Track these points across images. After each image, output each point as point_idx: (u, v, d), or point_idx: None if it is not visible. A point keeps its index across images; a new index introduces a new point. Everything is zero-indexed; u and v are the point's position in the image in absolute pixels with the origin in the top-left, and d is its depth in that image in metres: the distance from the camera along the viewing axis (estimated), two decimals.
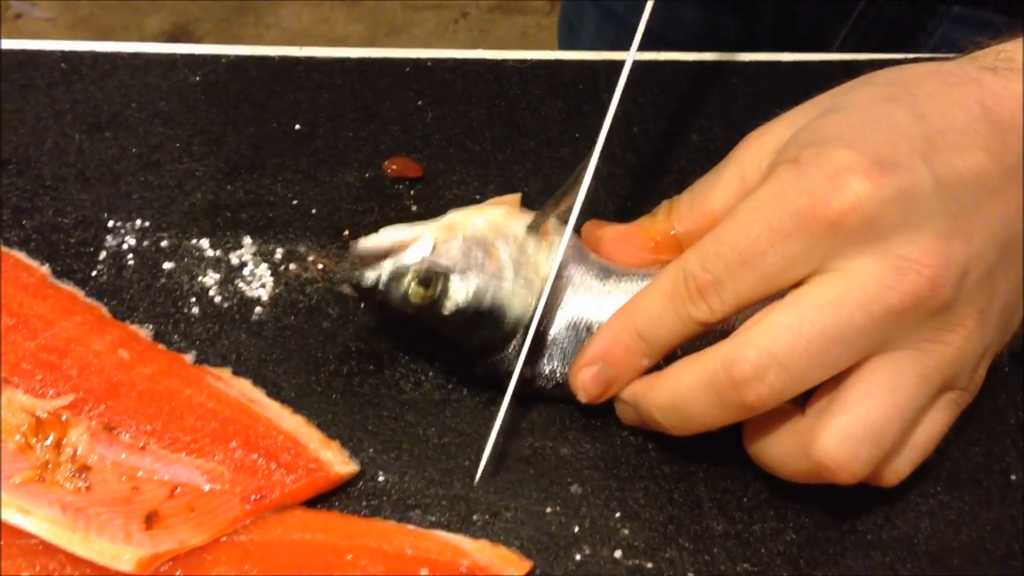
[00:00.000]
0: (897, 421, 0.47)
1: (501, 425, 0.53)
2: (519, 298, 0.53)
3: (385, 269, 0.53)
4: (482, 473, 0.53)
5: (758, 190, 0.49)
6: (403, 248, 0.53)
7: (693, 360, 0.49)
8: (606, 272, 0.55)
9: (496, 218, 0.55)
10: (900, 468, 0.50)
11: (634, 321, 0.51)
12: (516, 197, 0.57)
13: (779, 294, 0.48)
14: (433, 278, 0.52)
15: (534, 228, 0.55)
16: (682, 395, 0.49)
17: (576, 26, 1.00)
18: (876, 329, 0.46)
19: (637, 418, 0.53)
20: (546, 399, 0.56)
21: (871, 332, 0.46)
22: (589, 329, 0.54)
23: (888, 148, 0.46)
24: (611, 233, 0.56)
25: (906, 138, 0.47)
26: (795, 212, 0.46)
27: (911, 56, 0.71)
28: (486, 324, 0.53)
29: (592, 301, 0.54)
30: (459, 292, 0.52)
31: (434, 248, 0.53)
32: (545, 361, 0.54)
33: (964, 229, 0.46)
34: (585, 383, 0.53)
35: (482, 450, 0.53)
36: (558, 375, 0.55)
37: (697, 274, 0.48)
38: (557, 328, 0.54)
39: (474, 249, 0.53)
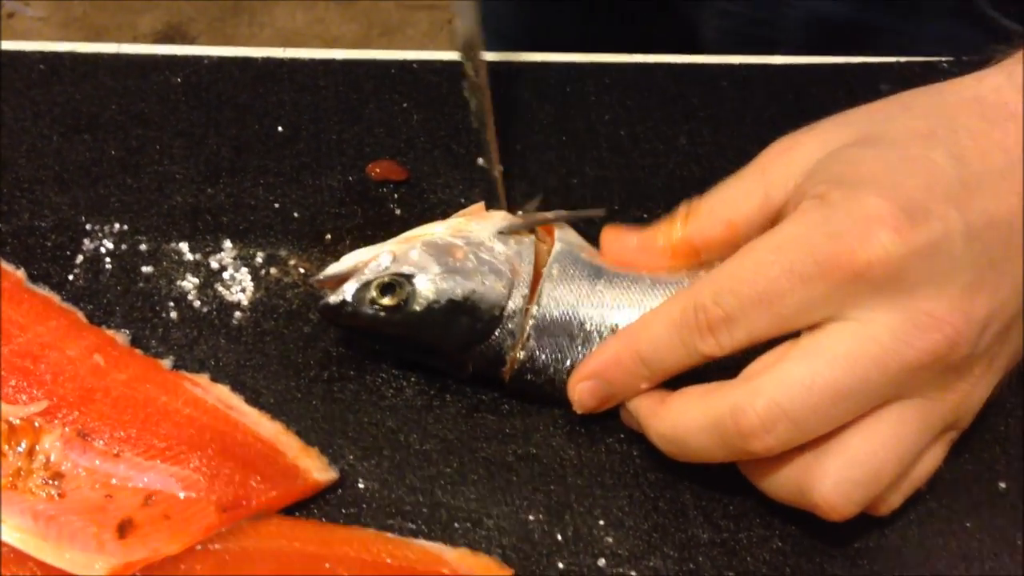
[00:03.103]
0: (895, 467, 0.47)
1: None
2: (490, 286, 0.53)
3: (348, 288, 0.53)
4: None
5: (781, 226, 0.47)
6: (364, 267, 0.54)
7: (700, 397, 0.48)
8: (596, 271, 0.55)
9: (455, 223, 0.56)
10: (893, 501, 0.50)
11: (637, 344, 0.50)
12: (479, 205, 0.58)
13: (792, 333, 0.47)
14: (397, 284, 0.53)
15: (506, 232, 0.55)
16: (685, 430, 0.49)
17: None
18: (889, 384, 0.45)
19: (638, 428, 0.52)
20: (532, 401, 0.55)
21: (884, 387, 0.45)
22: (581, 325, 0.53)
23: (921, 195, 0.45)
24: (635, 241, 0.55)
25: (941, 183, 0.46)
26: (819, 258, 0.45)
27: (911, 60, 0.71)
28: (462, 315, 0.53)
29: (581, 296, 0.54)
30: (426, 289, 0.53)
31: (393, 259, 0.54)
32: (537, 354, 0.54)
33: (991, 282, 0.45)
34: (582, 396, 0.52)
35: (464, 456, 0.53)
36: (550, 369, 0.54)
37: (709, 307, 0.47)
38: (546, 320, 0.54)
39: (434, 251, 0.54)
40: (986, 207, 0.46)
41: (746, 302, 0.46)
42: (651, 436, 0.51)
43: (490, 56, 0.70)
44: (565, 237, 0.57)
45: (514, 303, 0.53)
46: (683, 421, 0.49)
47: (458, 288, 0.53)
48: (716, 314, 0.47)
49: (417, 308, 0.53)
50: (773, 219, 0.50)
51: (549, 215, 0.57)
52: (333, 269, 0.55)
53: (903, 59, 0.71)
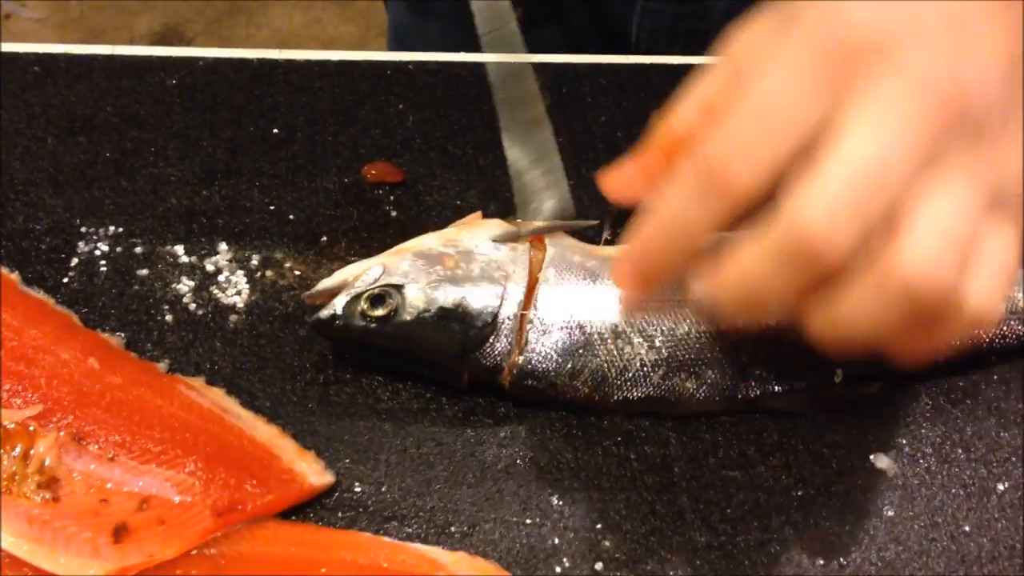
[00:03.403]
0: (964, 220, 0.44)
1: None
2: (481, 293, 0.53)
3: (339, 302, 0.53)
4: None
5: (761, 56, 0.46)
6: (354, 280, 0.54)
7: (753, 237, 0.45)
8: (592, 272, 0.55)
9: (447, 232, 0.56)
10: (986, 288, 0.45)
11: (662, 220, 0.47)
12: (476, 214, 0.58)
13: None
14: (386, 294, 0.53)
15: (499, 240, 0.55)
16: (752, 271, 0.45)
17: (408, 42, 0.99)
18: (926, 150, 0.43)
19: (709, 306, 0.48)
20: (533, 405, 0.55)
21: (922, 156, 0.43)
22: (580, 328, 0.53)
23: None
24: (632, 171, 0.52)
25: None
26: (805, 53, 0.44)
27: None
28: (454, 323, 0.53)
29: (578, 299, 0.54)
30: (415, 299, 0.53)
31: (383, 271, 0.54)
32: (536, 358, 0.53)
33: (975, 44, 0.44)
34: (624, 279, 0.49)
35: (461, 459, 0.53)
36: (551, 373, 0.54)
37: (722, 150, 0.44)
38: (544, 324, 0.54)
39: (424, 260, 0.54)
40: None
41: (760, 126, 0.44)
42: (721, 297, 0.46)
43: (482, 57, 0.70)
44: (558, 242, 0.56)
45: (507, 309, 0.53)
46: (747, 263, 0.45)
47: (448, 296, 0.53)
48: (725, 148, 0.44)
49: (407, 318, 0.53)
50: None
51: (543, 224, 0.57)
52: (324, 284, 0.55)
53: None
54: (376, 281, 0.53)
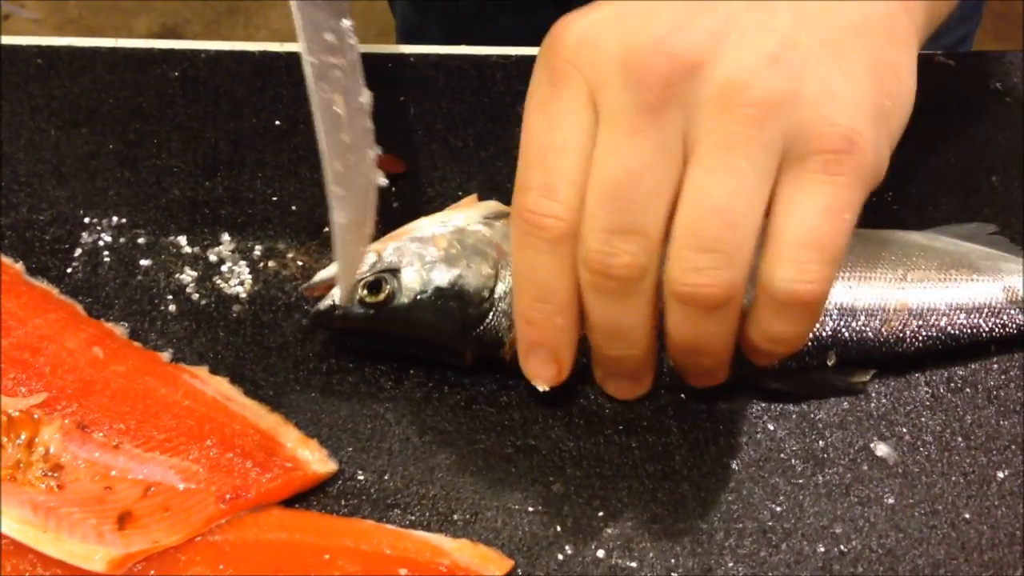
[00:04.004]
0: (719, 215, 0.44)
1: None
2: (476, 269, 0.53)
3: (336, 292, 0.54)
4: None
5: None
6: None
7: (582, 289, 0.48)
8: None
9: (441, 215, 0.56)
10: (797, 272, 0.44)
11: (523, 295, 0.49)
12: (472, 197, 0.59)
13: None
14: (382, 279, 0.53)
15: (492, 217, 0.56)
16: (597, 317, 0.48)
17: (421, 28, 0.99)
18: (660, 135, 0.44)
19: (618, 380, 0.53)
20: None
21: (660, 142, 0.44)
22: None
23: None
24: None
25: None
26: (542, 80, 0.47)
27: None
28: (451, 302, 0.53)
29: None
30: (411, 281, 0.53)
31: (378, 258, 0.54)
32: None
33: (685, 12, 0.45)
34: (536, 371, 0.51)
35: (463, 447, 0.53)
36: None
37: (525, 200, 0.47)
38: None
39: (417, 243, 0.54)
40: None
41: (536, 160, 0.47)
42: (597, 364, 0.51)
43: (483, 50, 0.71)
44: None
45: (504, 284, 0.53)
46: (588, 319, 0.48)
47: (443, 276, 0.53)
48: (532, 197, 0.46)
49: (405, 301, 0.53)
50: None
51: None
52: (321, 276, 0.55)
53: None
54: (371, 268, 0.54)
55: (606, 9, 0.46)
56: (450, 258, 0.54)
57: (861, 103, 0.45)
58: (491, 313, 0.53)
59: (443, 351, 0.55)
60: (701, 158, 0.44)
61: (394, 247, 0.54)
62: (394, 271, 0.53)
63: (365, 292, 0.53)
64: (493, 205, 0.57)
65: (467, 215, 0.56)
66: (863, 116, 0.44)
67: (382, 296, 0.53)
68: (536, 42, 0.49)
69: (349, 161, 0.53)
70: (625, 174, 0.44)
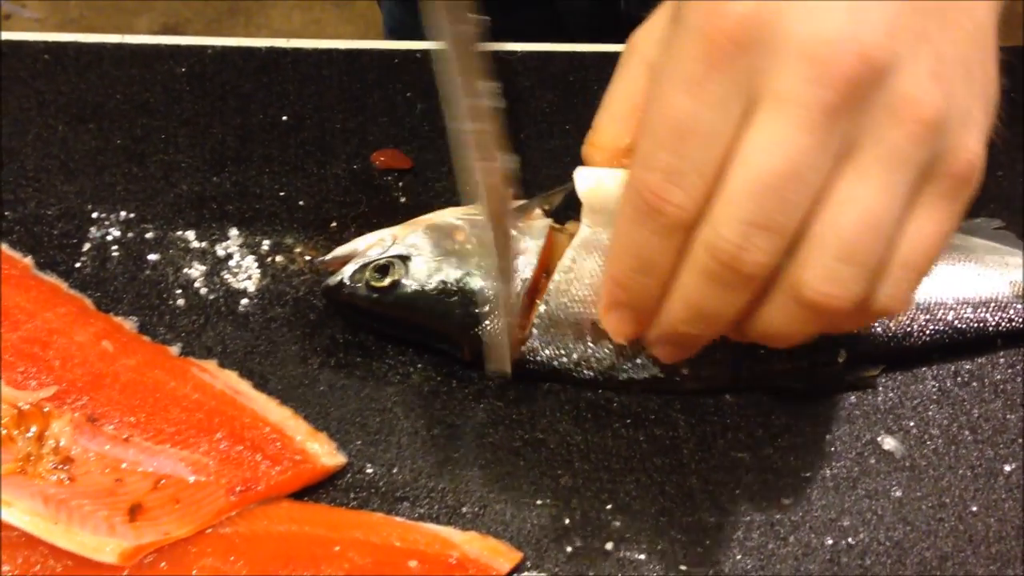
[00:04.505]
0: (871, 230, 0.43)
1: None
2: (489, 268, 0.53)
3: (347, 270, 0.54)
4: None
5: (657, 65, 0.45)
6: (366, 250, 0.55)
7: (683, 266, 0.46)
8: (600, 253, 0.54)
9: (463, 209, 0.56)
10: (894, 290, 0.45)
11: (621, 263, 0.47)
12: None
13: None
14: (390, 265, 0.54)
15: (518, 212, 0.55)
16: (693, 299, 0.46)
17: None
18: (829, 136, 0.42)
19: (672, 348, 0.50)
20: (539, 380, 0.56)
21: (825, 143, 0.42)
22: (594, 324, 0.53)
23: None
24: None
25: None
26: (698, 55, 0.43)
27: None
28: (456, 297, 0.53)
29: (595, 293, 0.54)
30: (418, 271, 0.54)
31: (394, 242, 0.54)
32: (541, 348, 0.54)
33: (868, 4, 0.43)
34: (615, 326, 0.49)
35: (472, 441, 0.53)
36: (555, 363, 0.54)
37: (647, 178, 0.44)
38: (554, 318, 0.54)
39: (434, 234, 0.55)
40: None
41: (672, 145, 0.43)
42: (676, 329, 0.48)
43: (491, 47, 0.71)
44: (594, 226, 0.55)
45: (513, 288, 0.53)
46: (686, 295, 0.46)
47: (452, 271, 0.54)
48: (655, 180, 0.44)
49: (410, 289, 0.53)
50: None
51: (550, 193, 0.57)
52: (338, 251, 0.56)
53: None
54: (385, 252, 0.54)
55: None
56: (464, 253, 0.54)
57: (983, 127, 0.45)
58: (495, 316, 0.53)
59: (442, 343, 0.56)
60: (862, 168, 0.43)
61: (412, 234, 0.55)
62: (405, 258, 0.54)
63: (372, 275, 0.54)
64: (520, 204, 0.57)
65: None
66: (983, 140, 0.45)
67: (387, 281, 0.54)
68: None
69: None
70: (786, 170, 0.42)
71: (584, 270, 0.54)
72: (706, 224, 0.44)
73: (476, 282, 0.53)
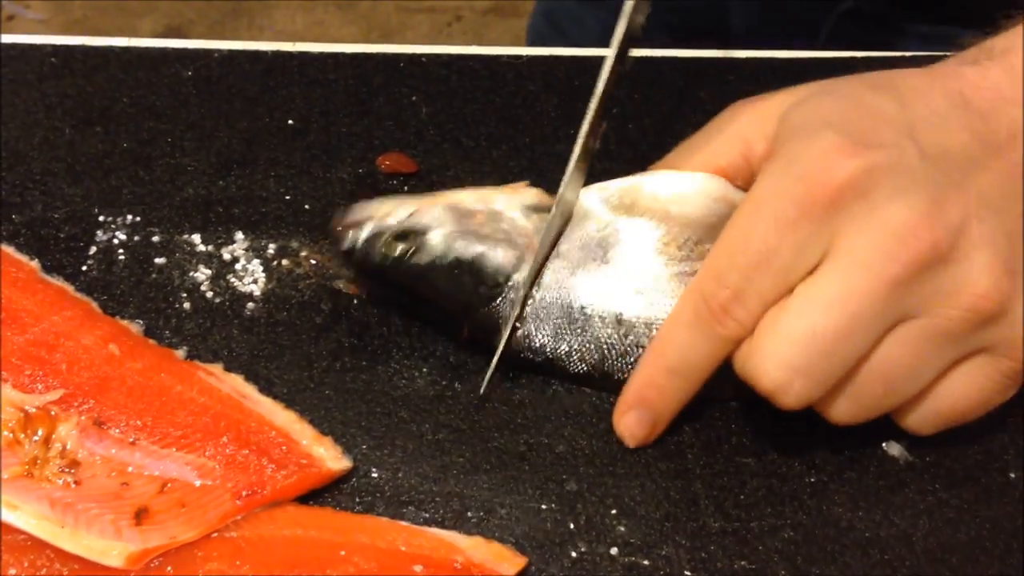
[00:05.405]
0: (906, 382, 0.49)
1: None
2: (501, 254, 0.54)
3: (365, 229, 0.55)
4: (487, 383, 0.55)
5: (755, 187, 0.49)
6: (385, 215, 0.55)
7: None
8: (603, 248, 0.55)
9: (484, 192, 0.57)
10: (922, 421, 0.51)
11: (664, 359, 0.51)
12: (524, 183, 0.59)
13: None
14: (410, 233, 0.54)
15: (534, 208, 0.56)
16: None
17: (561, 25, 1.00)
18: (887, 307, 0.46)
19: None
20: (533, 371, 0.56)
21: (883, 312, 0.46)
22: (582, 307, 0.54)
23: (872, 131, 0.48)
24: None
25: (889, 122, 0.48)
26: (795, 199, 0.47)
27: (902, 55, 0.71)
28: (466, 277, 0.54)
29: (586, 277, 0.54)
30: (434, 244, 0.54)
31: (413, 213, 0.55)
32: (534, 333, 0.54)
33: (955, 194, 0.47)
34: (630, 428, 0.53)
35: (477, 445, 0.54)
36: (547, 350, 0.55)
37: (716, 292, 0.48)
38: (545, 300, 0.54)
39: (454, 211, 0.55)
40: (936, 140, 0.48)
41: (747, 271, 0.47)
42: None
43: (495, 50, 0.71)
44: (581, 212, 0.56)
45: (521, 275, 0.54)
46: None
47: (466, 249, 0.54)
48: (724, 295, 0.48)
49: (424, 261, 0.54)
50: (755, 168, 0.52)
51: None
52: (356, 215, 0.56)
53: (908, 54, 0.72)
54: (402, 221, 0.55)
55: (880, 155, 0.47)
56: (479, 235, 0.54)
57: None
58: (499, 298, 0.54)
59: (443, 319, 0.56)
60: (907, 335, 0.47)
61: (432, 207, 0.55)
62: (422, 231, 0.54)
63: (388, 240, 0.54)
64: (536, 194, 0.57)
65: (509, 200, 0.56)
66: None
67: (402, 250, 0.54)
68: None
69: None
70: (839, 328, 0.46)
71: (575, 257, 0.55)
72: (751, 356, 0.48)
73: (489, 265, 0.54)
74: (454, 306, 0.55)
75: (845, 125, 0.48)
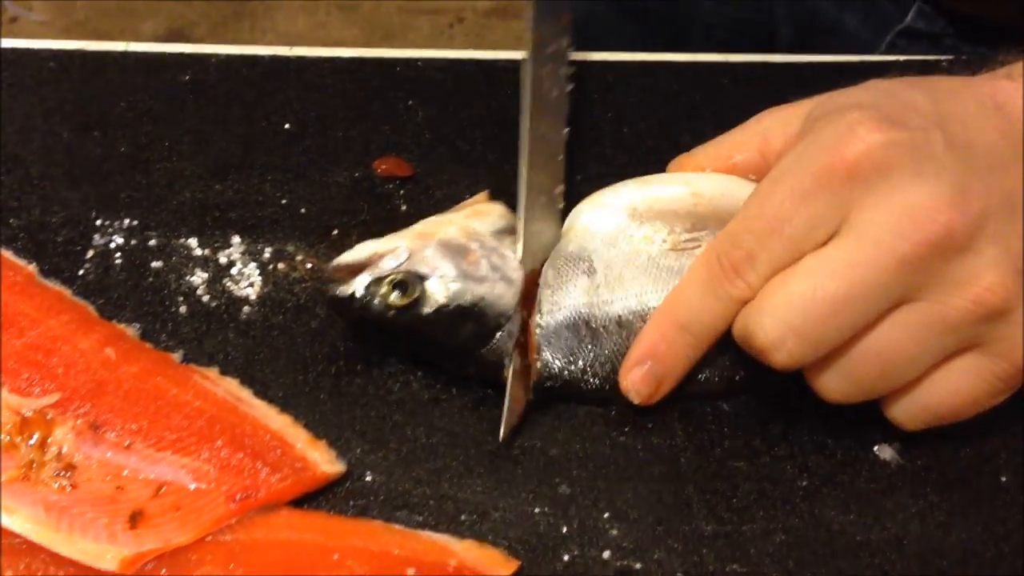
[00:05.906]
0: (902, 367, 0.49)
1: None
2: (500, 294, 0.54)
3: (361, 281, 0.53)
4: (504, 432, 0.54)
5: (778, 164, 0.50)
6: (379, 260, 0.54)
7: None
8: (589, 266, 0.55)
9: (468, 222, 0.56)
10: (904, 418, 0.51)
11: (675, 314, 0.52)
12: (484, 195, 0.59)
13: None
14: (410, 283, 0.53)
15: (504, 232, 0.56)
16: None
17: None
18: (891, 284, 0.47)
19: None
20: (547, 399, 0.55)
21: (886, 288, 0.47)
22: (587, 324, 0.54)
23: (901, 115, 0.48)
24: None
25: (919, 111, 0.48)
26: (813, 170, 0.47)
27: (912, 59, 0.71)
28: (469, 322, 0.53)
29: (580, 296, 0.54)
30: (437, 293, 0.53)
31: (409, 256, 0.54)
32: (551, 362, 0.54)
33: (978, 186, 0.47)
34: (636, 383, 0.53)
35: (470, 449, 0.54)
36: (566, 374, 0.54)
37: (730, 252, 0.49)
38: (551, 328, 0.54)
39: (448, 252, 0.54)
40: (964, 134, 0.48)
41: (760, 234, 0.48)
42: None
43: (491, 54, 0.71)
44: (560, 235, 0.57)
45: (516, 314, 0.54)
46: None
47: (468, 294, 0.53)
48: (737, 256, 0.49)
49: (427, 310, 0.53)
50: (770, 164, 0.53)
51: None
52: (348, 257, 0.54)
53: (903, 58, 0.72)
54: (400, 265, 0.53)
55: (904, 134, 0.47)
56: (478, 277, 0.54)
57: None
58: (497, 335, 0.54)
59: (446, 360, 0.56)
60: (907, 318, 0.48)
61: (426, 249, 0.54)
62: (422, 277, 0.53)
63: (391, 292, 0.53)
64: (500, 211, 0.57)
65: (483, 224, 0.56)
66: None
67: (406, 301, 0.53)
68: None
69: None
70: (843, 295, 0.47)
71: (563, 278, 0.55)
72: (750, 310, 0.49)
73: (490, 308, 0.54)
74: (457, 352, 0.55)
75: (874, 107, 0.48)
